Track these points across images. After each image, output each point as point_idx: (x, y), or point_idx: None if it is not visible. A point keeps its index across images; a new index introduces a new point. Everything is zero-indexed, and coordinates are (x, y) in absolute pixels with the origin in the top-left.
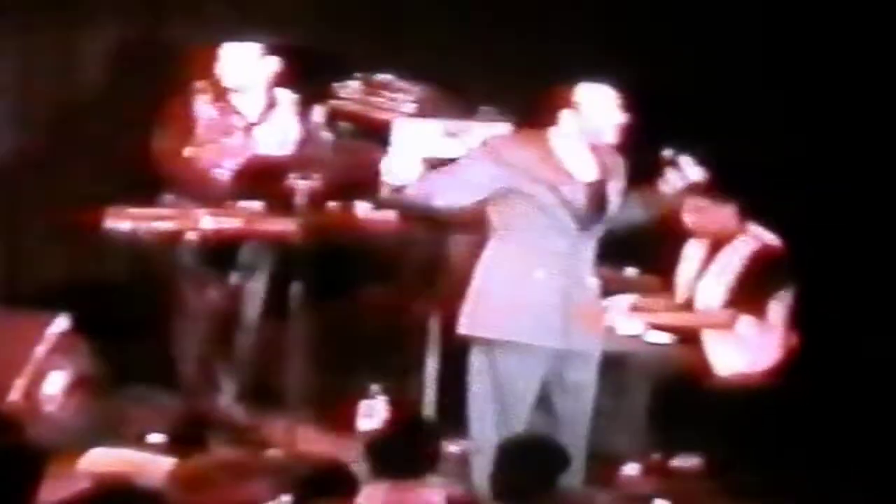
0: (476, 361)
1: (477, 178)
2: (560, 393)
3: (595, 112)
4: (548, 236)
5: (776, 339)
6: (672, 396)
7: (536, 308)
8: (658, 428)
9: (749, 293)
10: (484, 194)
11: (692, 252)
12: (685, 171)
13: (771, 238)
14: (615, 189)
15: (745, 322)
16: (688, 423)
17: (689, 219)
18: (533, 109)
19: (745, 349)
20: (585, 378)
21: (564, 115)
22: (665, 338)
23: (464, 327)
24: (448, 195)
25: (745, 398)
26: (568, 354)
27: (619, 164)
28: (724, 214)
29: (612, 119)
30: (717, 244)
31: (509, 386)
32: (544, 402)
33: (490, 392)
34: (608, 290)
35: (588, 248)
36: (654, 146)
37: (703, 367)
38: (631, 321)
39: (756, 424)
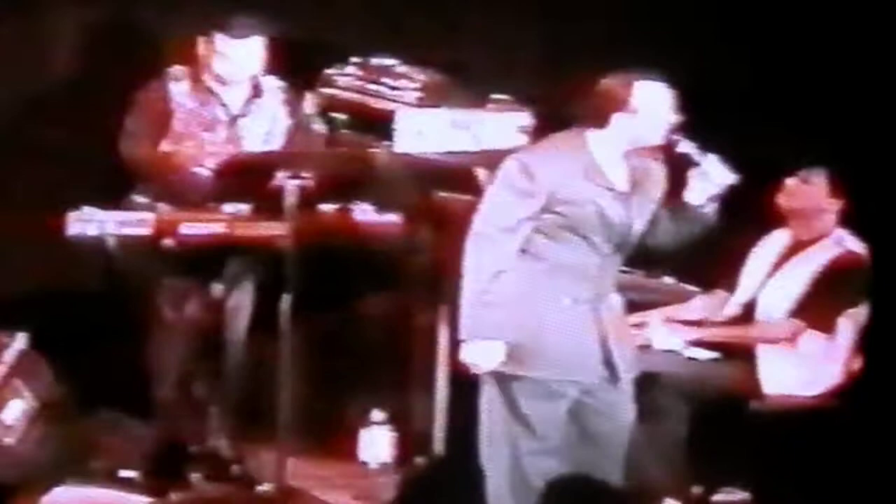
0: (491, 396)
1: (513, 214)
2: (593, 414)
3: (651, 114)
4: (577, 255)
5: (840, 359)
6: (715, 421)
7: (565, 338)
8: (698, 457)
9: (820, 304)
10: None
11: (768, 248)
12: (711, 174)
13: (857, 246)
14: (650, 201)
15: (809, 336)
16: (733, 451)
17: (786, 195)
18: (561, 103)
19: (803, 367)
20: (621, 395)
21: (616, 118)
22: (707, 353)
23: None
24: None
25: (800, 424)
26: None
27: (658, 173)
28: (827, 203)
29: (667, 122)
30: (800, 244)
31: (534, 421)
32: (576, 422)
33: (509, 428)
34: (643, 301)
35: (615, 266)
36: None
37: (751, 387)
38: (668, 335)
39: (811, 455)
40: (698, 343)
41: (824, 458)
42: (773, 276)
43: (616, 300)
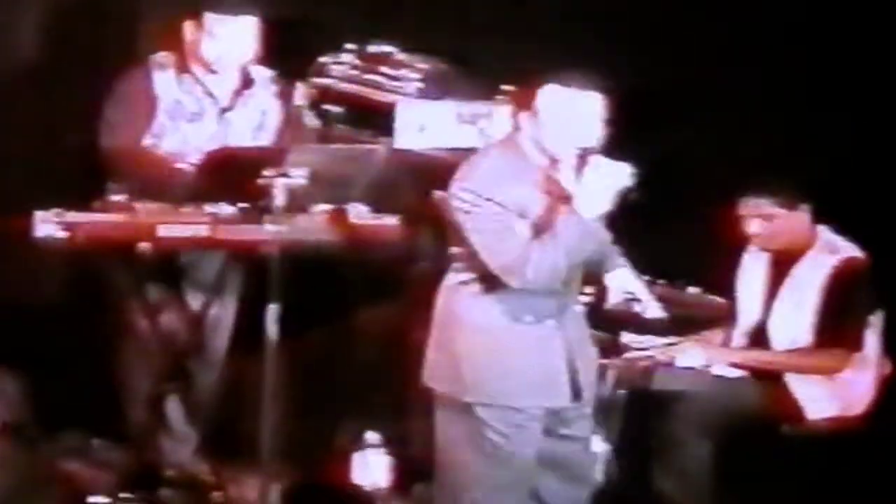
0: (452, 425)
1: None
2: (563, 441)
3: (556, 120)
4: None
5: (872, 375)
6: (744, 446)
7: (530, 360)
8: (726, 487)
9: (842, 322)
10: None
11: (753, 266)
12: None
13: (850, 248)
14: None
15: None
16: (764, 480)
17: (752, 228)
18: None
19: (838, 390)
20: (586, 418)
21: (524, 120)
22: (736, 371)
23: (433, 381)
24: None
25: (836, 449)
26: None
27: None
28: (795, 222)
29: (580, 130)
30: (783, 257)
31: (504, 452)
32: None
33: (478, 460)
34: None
35: (579, 273)
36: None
37: (785, 408)
38: (691, 351)
39: (852, 483)
40: (741, 367)
41: (865, 487)
42: (775, 303)
43: (578, 310)
